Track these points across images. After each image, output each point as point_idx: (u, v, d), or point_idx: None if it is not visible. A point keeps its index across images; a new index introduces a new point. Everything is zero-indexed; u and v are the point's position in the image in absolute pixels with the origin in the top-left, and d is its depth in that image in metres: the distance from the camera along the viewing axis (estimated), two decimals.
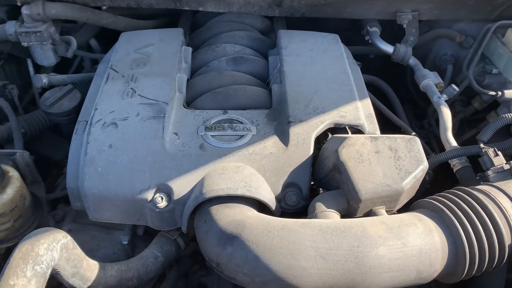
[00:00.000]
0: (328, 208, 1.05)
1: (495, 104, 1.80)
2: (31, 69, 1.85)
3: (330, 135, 1.26)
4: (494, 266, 1.00)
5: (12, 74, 1.85)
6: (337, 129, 1.25)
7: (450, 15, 1.76)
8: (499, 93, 1.68)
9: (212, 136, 1.19)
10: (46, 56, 1.67)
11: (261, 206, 1.11)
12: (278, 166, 1.14)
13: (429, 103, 1.93)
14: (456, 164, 1.42)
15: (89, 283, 1.01)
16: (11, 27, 1.59)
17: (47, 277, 0.87)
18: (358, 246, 0.92)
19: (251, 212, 1.04)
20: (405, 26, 1.75)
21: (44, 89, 1.65)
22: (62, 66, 1.87)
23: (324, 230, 0.94)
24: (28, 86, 1.92)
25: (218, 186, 1.06)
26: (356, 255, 0.91)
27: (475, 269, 0.98)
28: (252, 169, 1.13)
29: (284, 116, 1.24)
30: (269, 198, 1.09)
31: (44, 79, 1.60)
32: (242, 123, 1.23)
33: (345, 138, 1.12)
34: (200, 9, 1.67)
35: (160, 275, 1.28)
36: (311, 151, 1.16)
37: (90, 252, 1.08)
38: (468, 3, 1.68)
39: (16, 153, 1.28)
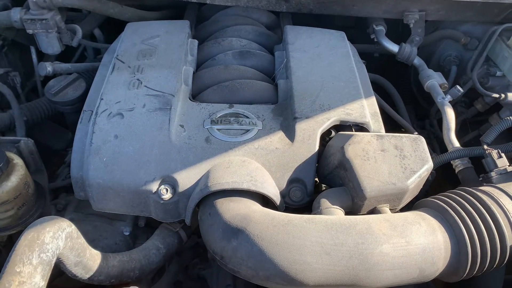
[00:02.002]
0: (332, 204, 1.06)
1: (497, 107, 1.81)
2: (34, 56, 1.84)
3: (333, 132, 1.26)
4: (495, 266, 1.01)
5: (15, 61, 1.84)
6: (342, 126, 1.25)
7: (456, 16, 1.76)
8: (502, 95, 1.69)
9: (218, 129, 1.19)
10: (51, 44, 1.66)
11: (265, 201, 1.12)
12: (283, 161, 1.14)
13: (431, 104, 1.95)
14: (458, 165, 1.43)
15: (92, 273, 1.01)
16: (16, 13, 1.58)
17: (52, 265, 0.87)
18: (362, 243, 0.92)
19: (256, 207, 1.04)
20: (411, 25, 1.75)
21: (47, 77, 1.64)
22: (64, 55, 1.86)
23: (330, 226, 0.94)
24: (30, 73, 1.91)
25: (223, 179, 1.06)
26: (361, 252, 0.91)
27: (476, 269, 0.99)
28: (258, 163, 1.13)
29: (290, 112, 1.24)
30: (274, 193, 1.10)
31: (48, 67, 1.59)
32: (248, 117, 1.23)
33: (351, 135, 1.13)
34: (208, 1, 1.66)
35: (160, 268, 1.28)
36: (317, 148, 1.16)
37: (92, 242, 1.08)
38: (475, 5, 1.69)
39: (20, 140, 1.27)
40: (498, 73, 1.76)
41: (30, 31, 1.61)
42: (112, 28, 1.92)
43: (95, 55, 2.00)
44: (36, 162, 1.33)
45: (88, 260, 0.99)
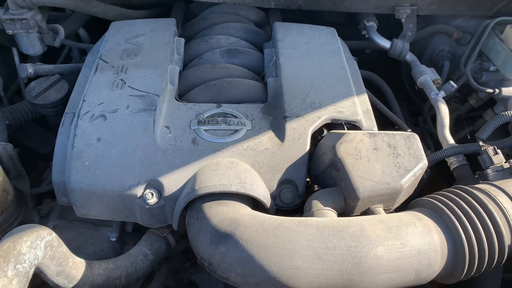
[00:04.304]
0: (324, 206, 1.02)
1: (491, 102, 1.79)
2: (16, 58, 1.78)
3: (325, 131, 1.23)
4: (493, 267, 0.98)
5: None
6: (333, 124, 1.22)
7: (448, 10, 1.74)
8: (496, 90, 1.67)
9: (205, 130, 1.15)
10: (32, 44, 1.60)
11: (255, 204, 1.08)
12: (273, 162, 1.11)
13: (424, 100, 1.92)
14: (453, 162, 1.40)
15: (75, 282, 0.98)
16: None
17: (30, 276, 0.83)
18: (356, 246, 0.89)
19: (245, 210, 1.00)
20: (403, 20, 1.72)
21: (30, 79, 1.59)
22: (50, 56, 1.81)
23: (321, 229, 0.91)
24: (13, 76, 1.85)
25: (211, 182, 1.03)
26: (354, 255, 0.88)
27: (474, 270, 0.96)
28: (247, 165, 1.09)
29: (280, 111, 1.20)
30: (264, 195, 1.06)
31: (29, 68, 1.54)
32: (236, 117, 1.19)
33: (343, 134, 1.09)
34: None
35: (148, 274, 1.24)
36: (308, 147, 1.13)
37: (77, 249, 1.05)
38: None
39: None
40: (492, 68, 1.74)
41: (10, 32, 1.56)
42: (99, 28, 1.87)
43: (81, 56, 1.95)
44: (16, 167, 1.28)
45: (71, 269, 0.95)
